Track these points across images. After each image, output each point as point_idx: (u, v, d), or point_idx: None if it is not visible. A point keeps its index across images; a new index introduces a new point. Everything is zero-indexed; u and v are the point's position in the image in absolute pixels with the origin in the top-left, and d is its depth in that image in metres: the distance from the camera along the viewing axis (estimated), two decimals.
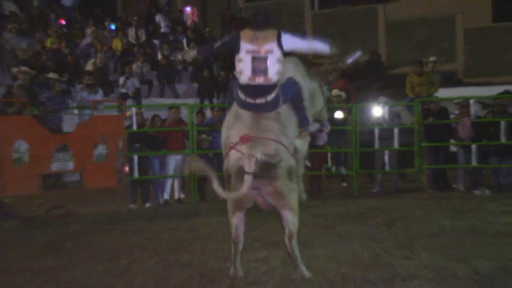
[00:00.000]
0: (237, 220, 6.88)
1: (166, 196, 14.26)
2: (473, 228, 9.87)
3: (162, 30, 24.39)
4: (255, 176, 6.43)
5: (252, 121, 6.82)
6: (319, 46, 7.14)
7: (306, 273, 6.70)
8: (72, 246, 9.25)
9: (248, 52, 6.78)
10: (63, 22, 23.83)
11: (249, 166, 6.41)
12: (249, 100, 6.81)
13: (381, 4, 27.96)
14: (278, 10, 28.32)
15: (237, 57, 6.83)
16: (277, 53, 6.76)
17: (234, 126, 6.90)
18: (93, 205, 13.66)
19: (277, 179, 6.55)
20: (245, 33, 6.86)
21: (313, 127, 7.46)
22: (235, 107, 7.05)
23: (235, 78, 7.02)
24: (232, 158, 6.69)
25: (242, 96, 6.85)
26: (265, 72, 6.75)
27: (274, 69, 6.76)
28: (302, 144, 7.33)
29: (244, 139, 6.64)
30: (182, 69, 22.25)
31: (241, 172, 6.48)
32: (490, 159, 14.61)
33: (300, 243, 8.51)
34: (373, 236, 9.21)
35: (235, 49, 6.84)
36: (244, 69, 6.78)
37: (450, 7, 27.54)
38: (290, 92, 7.05)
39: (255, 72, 6.76)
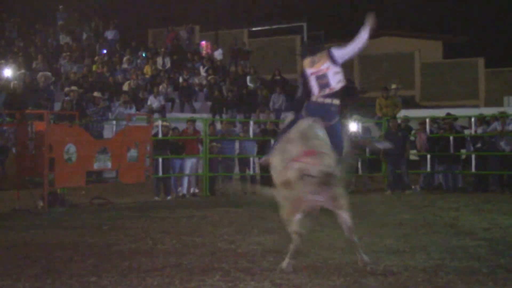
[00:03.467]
0: (298, 219, 6.32)
1: (184, 190, 14.19)
2: (427, 220, 9.84)
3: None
4: (319, 182, 6.10)
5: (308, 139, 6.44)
6: (363, 37, 6.69)
7: (366, 258, 6.31)
8: (109, 229, 9.19)
9: (312, 74, 6.66)
10: (105, 51, 23.81)
11: (314, 173, 6.09)
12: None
13: None
14: (276, 45, 28.35)
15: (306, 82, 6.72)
16: (334, 67, 6.66)
17: (294, 143, 6.44)
18: (126, 196, 13.61)
19: (334, 186, 6.24)
20: (306, 62, 6.74)
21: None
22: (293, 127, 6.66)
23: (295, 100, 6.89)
24: (297, 167, 6.21)
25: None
26: (327, 84, 6.63)
27: (335, 80, 6.65)
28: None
29: (309, 153, 6.27)
30: (198, 90, 22.25)
31: (306, 177, 6.11)
32: (438, 166, 14.62)
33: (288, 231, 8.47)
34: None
35: (306, 79, 6.69)
36: (312, 87, 6.66)
37: (410, 46, 27.65)
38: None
39: (321, 87, 6.64)
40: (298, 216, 6.30)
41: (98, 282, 5.87)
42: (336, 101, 6.76)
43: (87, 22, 26.11)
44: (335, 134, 6.68)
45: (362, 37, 6.69)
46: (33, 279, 5.99)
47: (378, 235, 8.21)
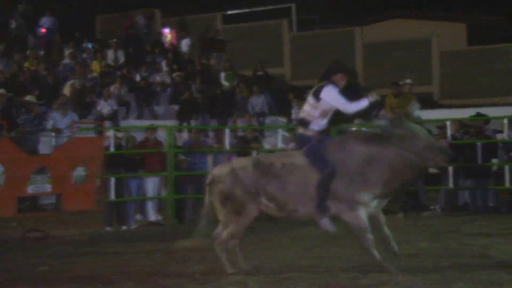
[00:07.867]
0: None
1: (141, 218, 14.13)
2: (450, 250, 9.85)
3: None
4: None
5: None
6: (356, 107, 8.97)
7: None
8: (48, 270, 9.11)
9: None
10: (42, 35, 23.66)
11: None
12: None
13: (358, 27, 28.09)
14: (258, 33, 28.40)
15: None
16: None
17: None
18: (70, 228, 13.52)
19: None
20: None
21: None
22: None
23: None
24: None
25: None
26: None
27: None
28: None
29: None
30: (161, 91, 22.22)
31: None
32: (463, 181, 14.64)
33: (279, 266, 8.48)
34: (352, 258, 9.14)
35: None
36: None
37: (426, 30, 27.76)
38: None
39: None
40: None
41: None
42: None
43: (14, 6, 25.91)
44: None
45: (356, 106, 8.69)
46: None
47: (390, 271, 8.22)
